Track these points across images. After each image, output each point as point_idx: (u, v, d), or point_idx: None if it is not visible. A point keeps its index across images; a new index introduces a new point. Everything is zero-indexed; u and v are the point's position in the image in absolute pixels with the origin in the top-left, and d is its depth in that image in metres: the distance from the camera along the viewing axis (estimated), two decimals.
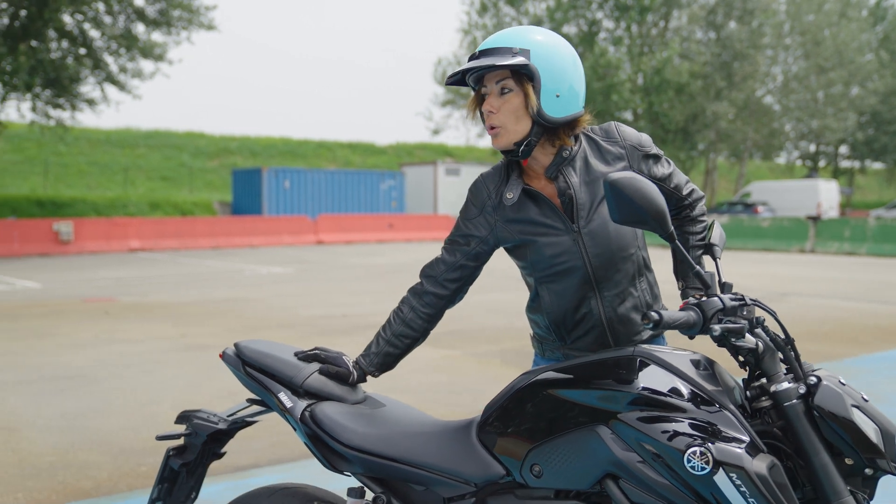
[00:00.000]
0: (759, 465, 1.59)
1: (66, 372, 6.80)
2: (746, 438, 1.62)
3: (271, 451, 4.64)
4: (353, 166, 44.16)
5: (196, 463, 2.27)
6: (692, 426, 1.63)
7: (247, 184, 30.00)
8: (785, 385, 1.70)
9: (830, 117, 41.99)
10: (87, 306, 11.18)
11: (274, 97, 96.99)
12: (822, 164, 50.41)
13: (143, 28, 24.22)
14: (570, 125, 2.05)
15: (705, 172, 44.02)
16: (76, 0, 21.20)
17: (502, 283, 11.86)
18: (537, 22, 37.62)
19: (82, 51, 23.68)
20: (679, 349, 1.82)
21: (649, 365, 1.75)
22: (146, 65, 25.14)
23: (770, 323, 1.83)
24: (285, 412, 2.10)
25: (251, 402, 2.25)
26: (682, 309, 1.74)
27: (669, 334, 2.38)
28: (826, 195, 31.62)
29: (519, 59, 1.94)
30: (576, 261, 2.04)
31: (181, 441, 2.26)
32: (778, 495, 1.58)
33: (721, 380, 1.75)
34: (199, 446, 2.24)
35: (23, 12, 21.78)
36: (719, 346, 1.75)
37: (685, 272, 2.15)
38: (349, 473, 2.07)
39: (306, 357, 2.18)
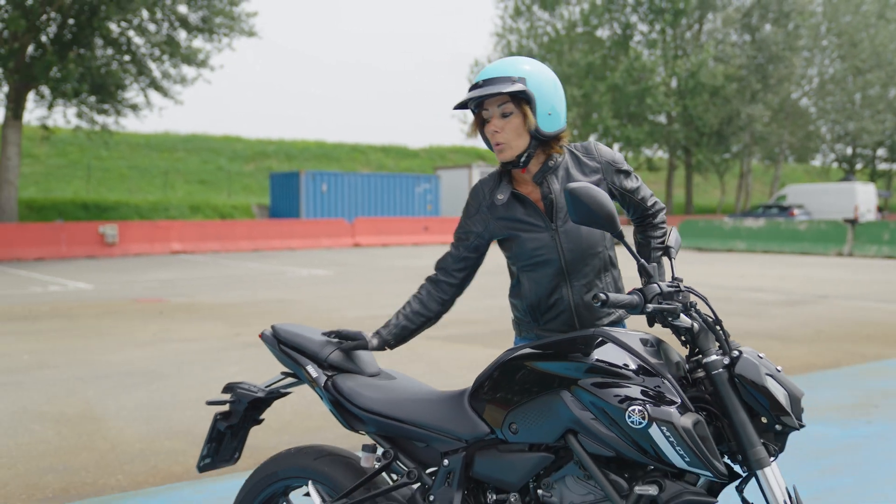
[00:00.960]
0: (686, 420, 1.93)
1: (133, 368, 7.14)
2: (678, 400, 1.96)
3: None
4: (386, 169, 44.56)
5: (239, 426, 2.66)
6: (635, 391, 1.98)
7: (285, 187, 30.46)
8: (713, 357, 2.04)
9: (867, 119, 41.58)
10: (140, 306, 11.57)
11: (307, 101, 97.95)
12: (858, 166, 49.86)
13: (185, 35, 24.76)
14: (557, 138, 2.45)
15: (740, 175, 43.81)
16: (123, 8, 21.73)
17: None
18: (572, 26, 37.75)
19: (126, 58, 24.27)
20: (634, 331, 2.17)
21: (606, 343, 2.10)
22: (188, 71, 25.53)
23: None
24: (312, 382, 2.51)
25: (285, 374, 2.66)
26: (628, 293, 2.10)
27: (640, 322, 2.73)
28: (864, 198, 31.33)
29: (518, 86, 2.33)
30: (552, 254, 2.44)
31: (227, 407, 2.66)
32: (700, 445, 1.92)
33: (665, 355, 2.10)
34: (241, 412, 2.63)
35: (71, 21, 22.41)
36: (663, 326, 2.09)
37: (645, 250, 2.59)
38: (363, 433, 2.47)
39: (330, 334, 2.59)
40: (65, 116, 25.15)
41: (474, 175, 33.48)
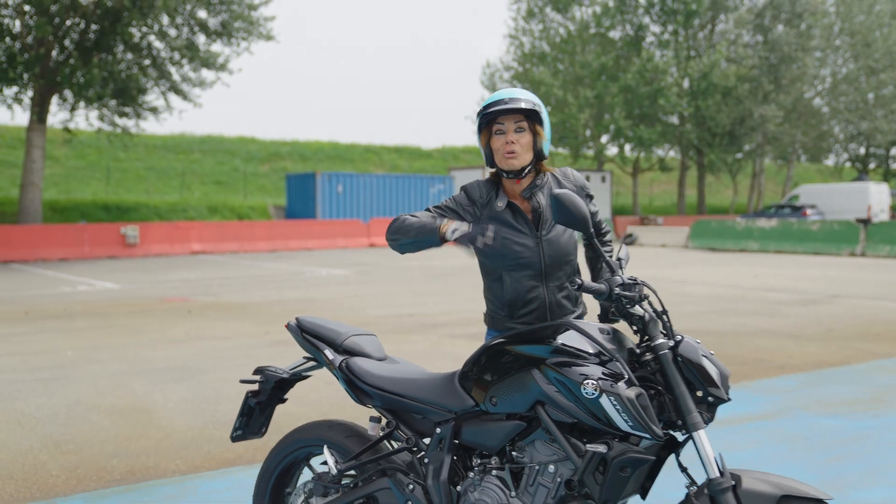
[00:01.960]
0: (630, 392, 2.35)
1: (172, 364, 7.49)
2: (626, 376, 2.38)
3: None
4: (399, 170, 44.91)
5: (266, 403, 3.13)
6: (590, 369, 2.41)
7: (301, 188, 30.86)
8: (660, 341, 2.44)
9: (881, 119, 41.59)
10: (168, 306, 11.94)
11: (320, 102, 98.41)
12: (872, 166, 49.84)
13: (204, 39, 25.17)
14: (543, 160, 2.93)
15: (752, 175, 43.90)
16: (145, 14, 22.14)
17: None
18: (584, 27, 37.97)
19: (147, 62, 24.69)
20: (593, 322, 2.59)
21: (570, 331, 2.53)
22: (207, 74, 25.94)
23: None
24: (329, 364, 2.97)
25: (306, 359, 3.12)
26: (596, 283, 2.54)
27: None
28: (877, 198, 31.41)
29: (540, 113, 2.82)
30: (534, 258, 2.85)
31: (256, 386, 3.12)
32: (640, 412, 2.32)
33: (618, 341, 2.52)
34: (268, 390, 3.10)
35: (94, 26, 22.84)
36: (620, 316, 2.53)
37: (596, 263, 3.05)
38: (370, 406, 2.92)
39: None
40: (87, 119, 25.60)
41: (487, 175, 33.74)
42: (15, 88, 22.82)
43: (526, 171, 2.86)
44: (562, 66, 38.11)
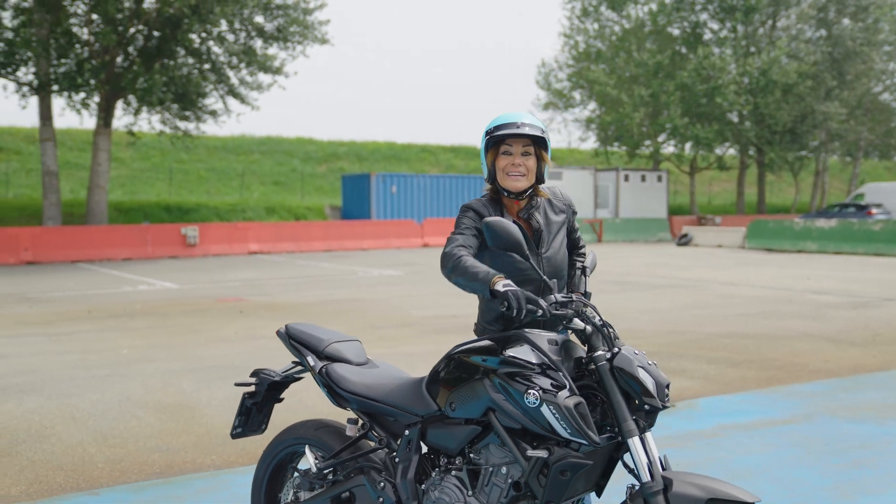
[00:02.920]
0: (569, 401, 2.53)
1: (221, 363, 7.83)
2: (567, 385, 2.57)
3: None
4: (455, 170, 45.16)
5: (262, 403, 3.41)
6: (534, 378, 2.59)
7: (356, 189, 31.34)
8: (599, 352, 2.63)
9: None
10: (222, 306, 12.37)
11: (376, 103, 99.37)
12: None
13: (261, 43, 25.78)
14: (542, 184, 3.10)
15: (815, 173, 42.94)
16: (204, 20, 22.82)
17: (606, 287, 12.26)
18: (640, 25, 37.66)
19: (206, 66, 25.42)
20: (544, 332, 2.75)
21: (520, 341, 2.71)
22: (264, 78, 26.55)
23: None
24: (311, 369, 3.22)
25: (294, 363, 3.38)
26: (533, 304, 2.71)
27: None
28: None
29: (546, 140, 2.99)
30: (535, 274, 2.97)
31: (252, 388, 3.39)
32: (578, 420, 2.51)
33: (565, 352, 2.71)
34: (262, 392, 3.37)
35: (156, 33, 23.64)
36: (567, 329, 2.72)
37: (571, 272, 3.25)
38: (348, 409, 3.15)
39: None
40: (150, 122, 26.47)
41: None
42: (83, 94, 23.74)
43: (527, 192, 3.02)
44: (617, 64, 37.82)
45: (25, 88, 23.55)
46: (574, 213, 3.22)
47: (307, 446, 3.25)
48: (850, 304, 12.00)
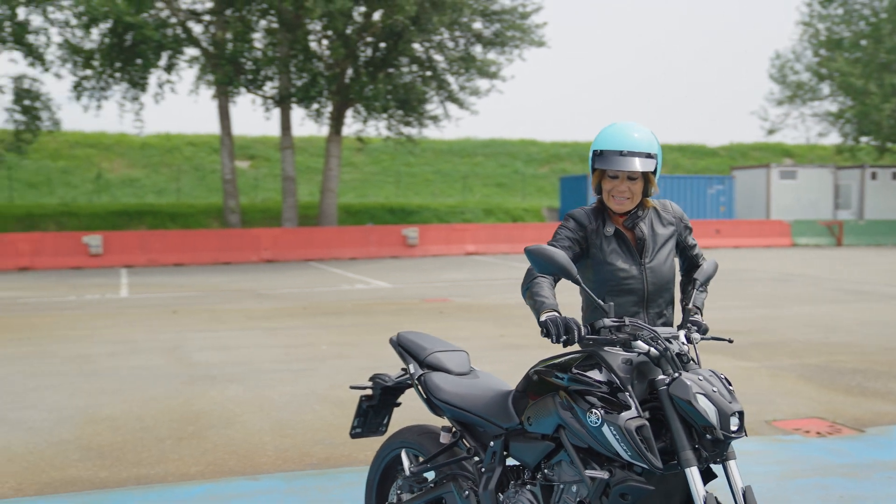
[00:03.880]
0: (631, 423, 2.47)
1: None
2: (632, 406, 2.51)
3: None
4: (682, 169, 43.57)
5: (379, 406, 3.56)
6: (599, 398, 2.57)
7: (574, 190, 31.21)
8: (659, 377, 2.56)
9: None
10: (426, 306, 12.87)
11: (598, 101, 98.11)
12: None
13: (479, 49, 26.43)
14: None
15: None
16: (425, 30, 23.83)
17: (836, 296, 11.37)
18: (893, 9, 34.19)
19: (428, 73, 26.50)
20: (619, 351, 2.66)
21: (595, 360, 2.67)
22: (482, 83, 27.17)
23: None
24: (410, 376, 3.35)
25: (404, 370, 3.48)
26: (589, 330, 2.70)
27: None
28: None
29: (654, 163, 2.90)
30: (638, 284, 2.95)
31: (369, 392, 3.55)
32: (638, 443, 2.44)
33: (640, 372, 2.62)
34: (377, 395, 3.54)
35: (381, 45, 25.03)
36: (625, 349, 2.64)
37: (687, 287, 3.16)
38: (443, 417, 3.24)
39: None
40: (376, 129, 28.05)
41: (773, 176, 31.71)
42: (316, 105, 25.67)
43: (633, 210, 3.00)
44: (865, 52, 34.61)
45: (270, 102, 25.87)
46: (687, 227, 3.11)
47: (403, 450, 3.42)
48: None
